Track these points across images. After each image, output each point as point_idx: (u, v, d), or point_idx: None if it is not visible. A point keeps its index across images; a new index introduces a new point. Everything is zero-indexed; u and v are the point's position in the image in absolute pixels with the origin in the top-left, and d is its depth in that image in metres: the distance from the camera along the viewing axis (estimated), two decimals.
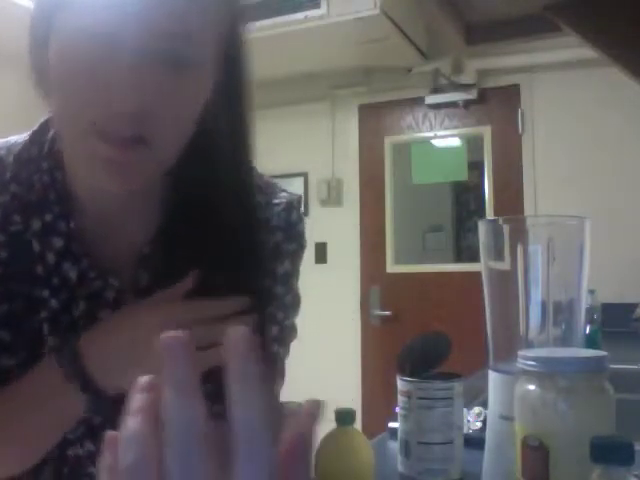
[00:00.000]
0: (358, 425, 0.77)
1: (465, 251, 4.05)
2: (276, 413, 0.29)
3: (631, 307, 2.68)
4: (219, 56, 0.60)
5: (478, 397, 1.18)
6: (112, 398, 0.58)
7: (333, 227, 3.71)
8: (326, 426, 0.76)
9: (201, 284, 0.63)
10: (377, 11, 2.85)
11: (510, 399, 0.59)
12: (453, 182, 3.94)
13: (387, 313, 3.62)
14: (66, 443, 0.65)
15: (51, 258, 0.65)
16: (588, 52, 1.73)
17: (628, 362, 1.72)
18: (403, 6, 3.07)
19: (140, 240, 0.67)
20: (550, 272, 0.67)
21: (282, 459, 0.29)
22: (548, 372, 0.55)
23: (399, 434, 0.84)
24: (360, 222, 3.73)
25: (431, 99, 3.56)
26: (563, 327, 0.68)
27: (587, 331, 1.76)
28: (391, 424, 1.03)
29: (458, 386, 0.83)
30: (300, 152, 3.82)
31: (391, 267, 3.66)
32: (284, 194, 0.75)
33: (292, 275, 0.75)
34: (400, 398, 0.83)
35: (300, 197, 0.77)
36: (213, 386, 0.35)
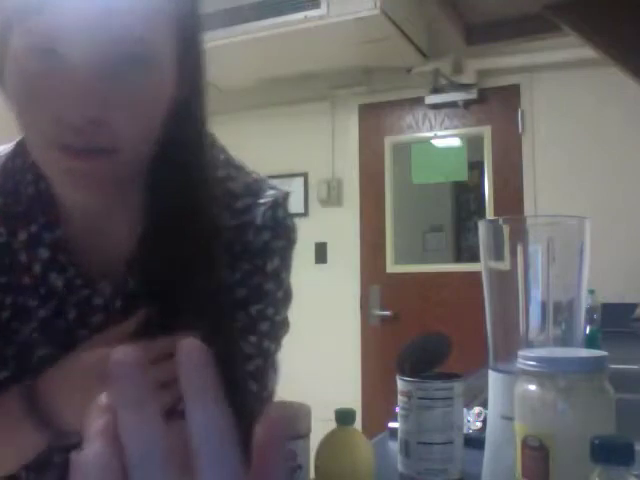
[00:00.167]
0: (358, 425, 0.77)
1: (465, 251, 4.05)
2: (233, 419, 0.29)
3: (631, 307, 2.68)
4: (179, 56, 0.60)
5: (478, 397, 1.18)
6: (76, 433, 0.58)
7: (333, 227, 3.70)
8: (326, 426, 0.76)
9: (178, 289, 0.63)
10: (377, 11, 2.85)
11: (510, 399, 0.59)
12: (453, 182, 3.93)
13: (387, 313, 3.62)
14: (70, 448, 0.65)
15: (37, 269, 0.66)
16: (588, 52, 1.72)
17: (628, 362, 1.72)
18: (403, 6, 3.07)
19: (126, 246, 0.68)
20: (550, 272, 0.67)
21: (255, 454, 0.29)
22: (548, 372, 0.55)
23: (399, 434, 0.84)
24: (360, 222, 3.72)
25: (431, 99, 3.55)
26: (563, 327, 0.68)
27: (587, 331, 1.76)
28: (391, 424, 1.03)
29: (458, 386, 0.83)
30: (300, 152, 3.82)
31: (391, 267, 3.65)
32: (271, 192, 0.75)
33: (282, 271, 0.75)
34: (400, 398, 0.83)
35: (287, 193, 0.77)
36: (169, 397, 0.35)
